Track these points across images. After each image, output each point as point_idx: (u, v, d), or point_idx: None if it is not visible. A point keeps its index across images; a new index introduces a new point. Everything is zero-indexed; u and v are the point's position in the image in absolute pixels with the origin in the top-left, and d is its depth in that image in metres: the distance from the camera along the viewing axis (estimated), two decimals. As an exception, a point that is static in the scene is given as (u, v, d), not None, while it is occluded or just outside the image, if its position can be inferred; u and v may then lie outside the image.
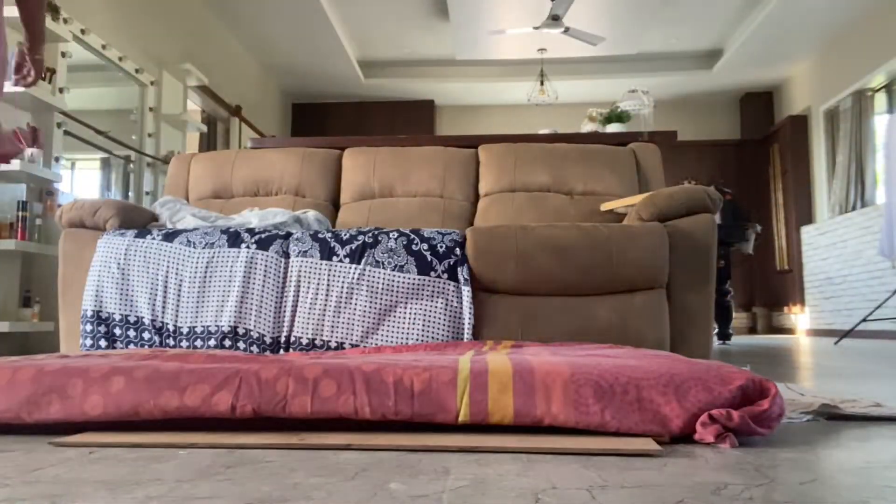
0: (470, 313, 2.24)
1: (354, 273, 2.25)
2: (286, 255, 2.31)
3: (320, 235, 2.35)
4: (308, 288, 2.26)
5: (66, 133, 4.19)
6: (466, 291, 2.25)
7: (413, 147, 3.24)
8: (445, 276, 2.26)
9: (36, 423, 1.21)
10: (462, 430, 1.17)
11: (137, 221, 2.56)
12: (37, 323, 3.67)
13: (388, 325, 2.23)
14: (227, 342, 2.23)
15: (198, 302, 2.26)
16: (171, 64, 5.69)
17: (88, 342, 2.27)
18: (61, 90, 4.02)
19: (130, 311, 2.27)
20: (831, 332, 6.88)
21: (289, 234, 2.37)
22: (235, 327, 2.23)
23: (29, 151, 3.62)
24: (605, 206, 2.89)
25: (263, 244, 2.31)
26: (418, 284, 2.24)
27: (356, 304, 2.23)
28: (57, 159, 4.03)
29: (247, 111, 7.46)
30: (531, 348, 1.86)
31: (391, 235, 2.32)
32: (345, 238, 2.33)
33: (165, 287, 2.27)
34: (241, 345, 2.23)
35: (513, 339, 2.19)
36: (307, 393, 1.17)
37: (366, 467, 0.94)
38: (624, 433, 1.12)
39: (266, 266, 2.28)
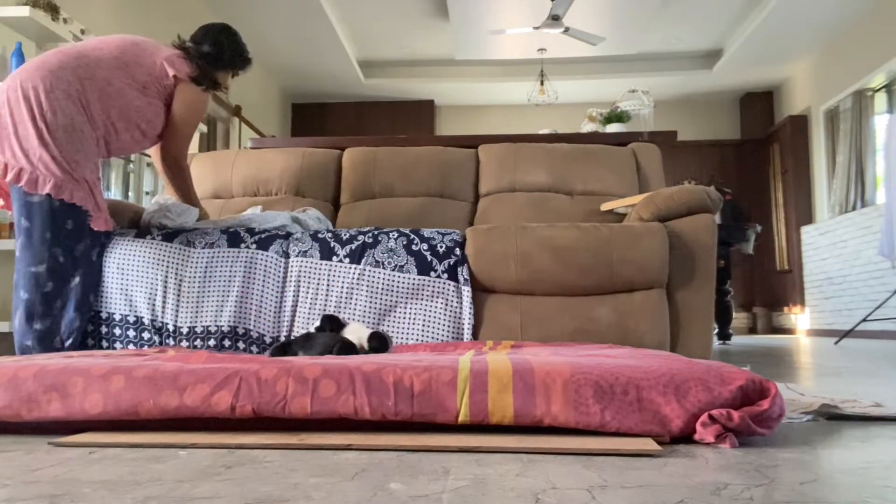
0: (470, 313, 2.24)
1: (354, 273, 2.25)
2: (286, 256, 2.31)
3: (320, 235, 2.35)
4: (308, 288, 2.26)
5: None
6: (466, 291, 2.25)
7: (413, 147, 3.24)
8: (445, 276, 2.26)
9: (36, 421, 1.21)
10: (462, 430, 1.17)
11: (129, 218, 2.56)
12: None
13: (388, 325, 2.23)
14: (227, 342, 2.23)
15: (198, 302, 2.26)
16: (171, 64, 5.68)
17: (89, 342, 2.27)
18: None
19: (130, 311, 2.27)
20: (831, 332, 6.88)
21: (289, 234, 2.37)
22: (235, 327, 2.23)
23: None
24: (605, 206, 2.89)
25: (263, 244, 2.31)
26: (418, 284, 2.24)
27: (356, 304, 2.23)
28: (57, 159, 4.02)
29: (247, 111, 7.46)
30: (531, 348, 1.86)
31: (391, 235, 2.32)
32: (345, 238, 2.33)
33: (165, 287, 2.27)
34: (241, 345, 2.23)
35: (513, 339, 2.19)
36: (307, 393, 1.17)
37: (366, 467, 0.94)
38: (624, 433, 1.12)
39: (266, 266, 2.28)
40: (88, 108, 2.14)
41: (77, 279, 2.17)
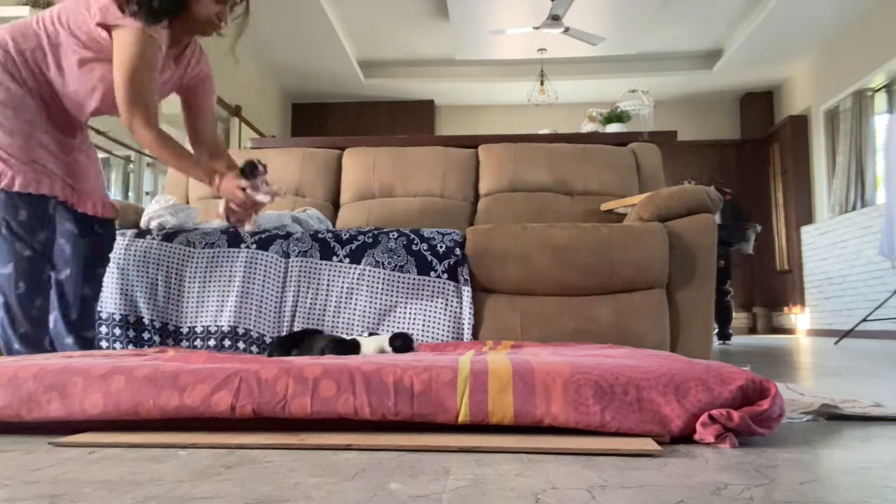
0: (470, 313, 2.24)
1: (354, 273, 2.25)
2: (286, 255, 2.31)
3: (320, 235, 2.35)
4: (308, 288, 2.26)
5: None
6: (466, 291, 2.25)
7: (413, 147, 3.24)
8: (445, 276, 2.26)
9: (35, 421, 1.21)
10: (462, 430, 1.17)
11: (129, 218, 2.56)
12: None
13: (388, 325, 2.23)
14: (227, 342, 2.23)
15: (198, 302, 2.26)
16: (171, 64, 5.67)
17: (88, 342, 2.27)
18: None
19: (130, 311, 2.27)
20: (831, 332, 6.88)
21: (289, 234, 2.37)
22: (235, 327, 2.23)
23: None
24: (605, 206, 2.89)
25: (263, 244, 2.31)
26: (418, 284, 2.24)
27: (356, 304, 2.23)
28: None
29: (247, 111, 7.46)
30: (531, 348, 1.86)
31: (391, 235, 2.32)
32: (345, 238, 2.33)
33: (166, 287, 2.27)
34: (241, 345, 2.23)
35: (513, 339, 2.20)
36: (307, 393, 1.17)
37: (366, 467, 0.94)
38: (624, 433, 1.12)
39: (266, 266, 2.28)
40: (29, 80, 1.88)
41: (67, 272, 2.01)
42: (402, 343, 1.85)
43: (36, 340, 1.91)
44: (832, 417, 1.38)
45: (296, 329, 2.24)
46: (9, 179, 1.84)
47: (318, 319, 2.23)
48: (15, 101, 1.87)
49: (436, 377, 1.18)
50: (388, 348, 1.84)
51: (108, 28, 1.87)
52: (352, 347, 1.80)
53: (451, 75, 8.57)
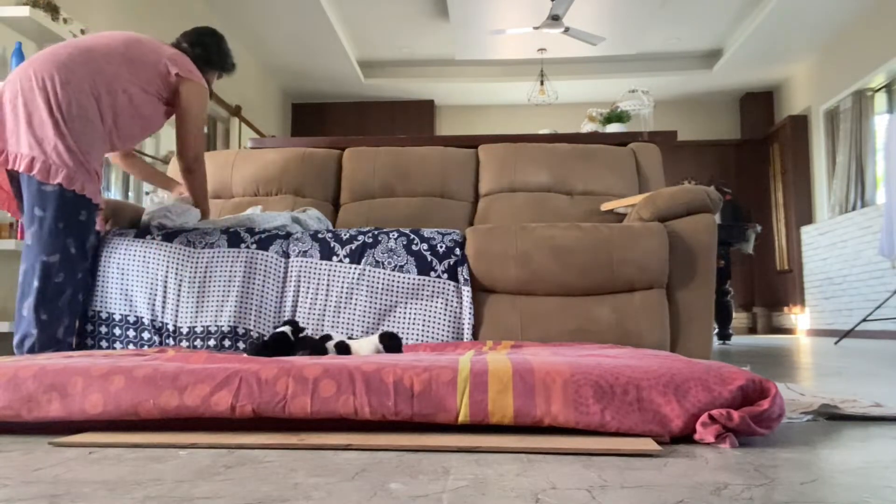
0: (470, 313, 2.23)
1: (354, 273, 2.25)
2: (286, 255, 2.31)
3: (320, 235, 2.35)
4: (308, 288, 2.26)
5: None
6: (466, 291, 2.25)
7: (413, 147, 3.24)
8: (445, 276, 2.26)
9: (35, 421, 1.21)
10: (462, 430, 1.17)
11: (129, 218, 2.56)
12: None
13: (388, 326, 2.23)
14: (227, 342, 2.23)
15: (197, 302, 2.26)
16: (171, 64, 5.67)
17: (88, 342, 2.27)
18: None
19: (130, 311, 2.27)
20: (831, 332, 6.88)
21: (289, 234, 2.37)
22: (235, 327, 2.23)
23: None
24: (605, 207, 2.89)
25: (263, 244, 2.31)
26: (418, 284, 2.24)
27: (356, 305, 2.23)
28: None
29: (247, 111, 7.46)
30: (531, 348, 1.85)
31: (391, 235, 2.32)
32: (345, 238, 2.33)
33: (165, 287, 2.27)
34: (241, 345, 2.23)
35: (513, 339, 2.19)
36: (307, 393, 1.17)
37: (366, 467, 0.94)
38: (624, 433, 1.12)
39: (266, 266, 2.28)
40: (100, 102, 2.17)
41: (80, 275, 2.16)
42: (391, 343, 1.83)
43: (51, 330, 2.06)
44: (832, 417, 1.38)
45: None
46: (80, 184, 2.09)
47: (319, 319, 2.23)
48: (93, 118, 2.15)
49: (436, 377, 1.18)
50: (381, 346, 1.82)
51: (181, 79, 2.36)
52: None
53: (451, 75, 8.57)
